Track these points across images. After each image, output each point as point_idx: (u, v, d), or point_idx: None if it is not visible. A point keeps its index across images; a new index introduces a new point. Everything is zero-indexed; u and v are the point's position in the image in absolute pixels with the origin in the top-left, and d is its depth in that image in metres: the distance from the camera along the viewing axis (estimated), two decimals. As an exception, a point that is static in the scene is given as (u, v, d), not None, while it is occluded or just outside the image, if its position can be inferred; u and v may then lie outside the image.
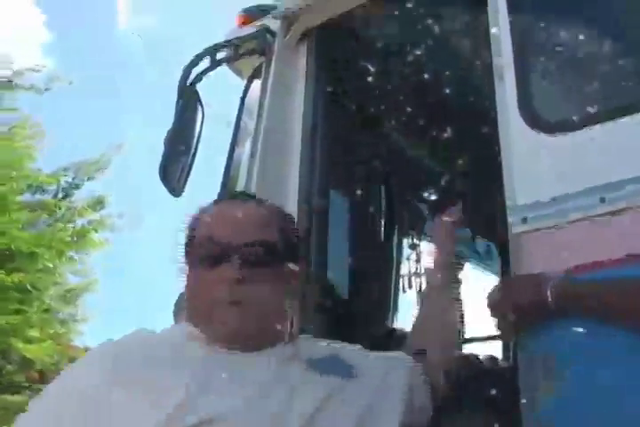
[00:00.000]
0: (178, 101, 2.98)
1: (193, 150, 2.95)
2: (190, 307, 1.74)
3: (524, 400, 1.84)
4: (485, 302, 1.94)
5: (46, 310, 11.69)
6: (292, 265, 1.77)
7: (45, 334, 11.39)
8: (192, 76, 3.05)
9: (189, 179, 2.93)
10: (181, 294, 2.18)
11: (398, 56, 3.09)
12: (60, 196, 11.92)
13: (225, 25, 3.27)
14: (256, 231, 1.70)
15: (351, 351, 1.87)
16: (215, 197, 3.04)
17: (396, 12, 2.94)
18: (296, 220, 2.68)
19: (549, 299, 1.77)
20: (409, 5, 2.85)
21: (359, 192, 3.45)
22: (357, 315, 3.08)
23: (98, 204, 11.91)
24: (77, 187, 12.05)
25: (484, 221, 2.90)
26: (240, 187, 2.85)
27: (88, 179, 12.15)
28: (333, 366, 1.74)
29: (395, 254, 3.85)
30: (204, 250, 1.70)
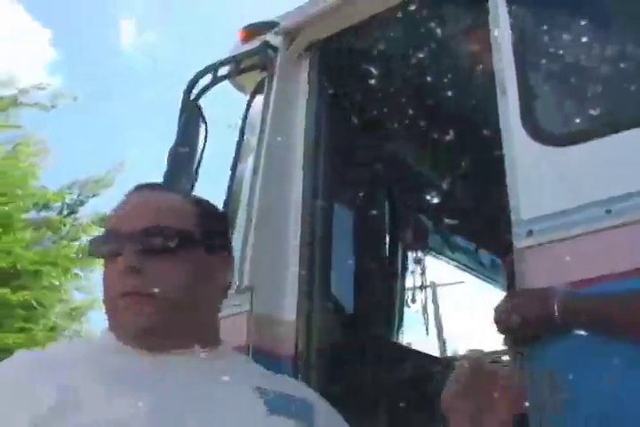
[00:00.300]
0: (180, 117, 2.99)
1: (196, 165, 2.94)
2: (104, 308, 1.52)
3: (531, 416, 1.82)
4: (491, 316, 1.93)
5: (52, 328, 11.69)
6: (215, 255, 1.55)
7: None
8: (195, 92, 3.06)
9: (193, 194, 2.91)
10: None
11: (400, 71, 3.09)
12: (65, 213, 11.95)
13: (228, 41, 3.28)
14: (156, 217, 1.49)
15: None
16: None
17: (398, 28, 2.94)
18: (299, 234, 2.70)
19: (556, 313, 1.76)
20: (410, 21, 2.86)
21: (363, 205, 3.44)
22: (361, 329, 3.06)
23: (103, 220, 11.93)
24: (82, 204, 12.10)
25: (488, 233, 2.89)
26: (244, 202, 2.85)
27: (93, 196, 12.20)
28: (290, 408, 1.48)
29: (399, 268, 3.84)
30: (103, 243, 1.52)
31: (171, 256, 1.46)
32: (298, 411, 1.46)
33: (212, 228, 1.55)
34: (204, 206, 1.59)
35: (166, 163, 2.88)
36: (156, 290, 1.43)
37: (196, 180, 2.93)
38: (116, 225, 1.51)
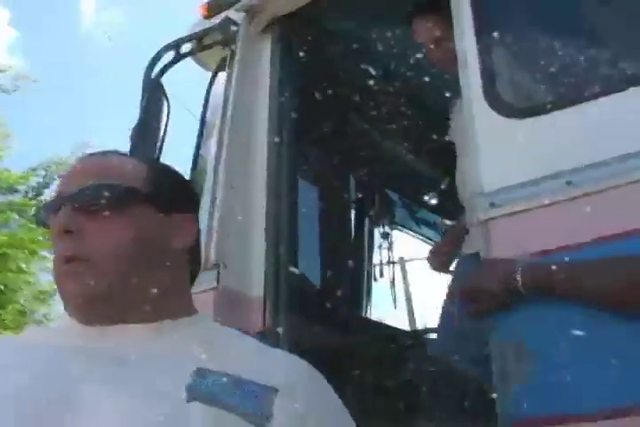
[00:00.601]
0: (143, 95, 2.96)
1: (159, 144, 2.92)
2: None
3: (497, 387, 1.85)
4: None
5: (21, 312, 11.62)
6: (170, 216, 1.39)
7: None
8: (156, 70, 3.03)
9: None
10: None
11: (364, 45, 3.09)
12: (31, 195, 11.84)
13: (194, 17, 3.24)
14: (97, 175, 1.34)
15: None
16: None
17: (360, 2, 2.93)
18: (265, 211, 2.70)
19: (519, 283, 1.78)
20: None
21: (328, 181, 3.44)
22: (330, 304, 3.08)
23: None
24: (47, 186, 11.99)
25: (454, 205, 2.91)
26: (209, 180, 2.84)
27: (58, 177, 12.09)
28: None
29: (367, 243, 3.86)
30: (45, 209, 1.37)
31: (112, 216, 1.30)
32: (241, 399, 1.22)
33: (164, 187, 1.38)
34: (157, 167, 1.46)
35: (129, 142, 2.86)
36: (95, 254, 1.27)
37: (160, 158, 2.91)
38: (57, 188, 1.38)
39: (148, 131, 2.88)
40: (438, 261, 3.07)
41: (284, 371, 1.33)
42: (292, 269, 2.68)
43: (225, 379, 1.24)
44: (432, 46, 2.75)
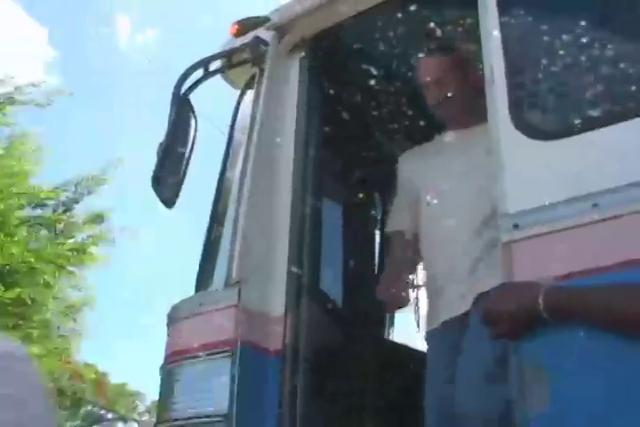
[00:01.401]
0: (170, 112, 2.97)
1: (186, 160, 2.93)
2: None
3: (517, 410, 1.82)
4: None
5: (46, 326, 11.66)
6: None
7: (46, 350, 11.35)
8: (185, 87, 3.05)
9: (183, 189, 2.91)
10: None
11: (391, 66, 3.09)
12: (61, 210, 11.92)
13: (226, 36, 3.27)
14: None
15: None
16: (209, 208, 3.07)
17: (388, 23, 2.94)
18: (289, 230, 2.70)
19: (541, 307, 1.75)
20: (401, 16, 2.86)
21: (353, 202, 3.44)
22: (350, 325, 3.06)
23: (98, 218, 11.90)
24: (77, 201, 12.06)
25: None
26: (233, 198, 2.84)
27: (88, 193, 12.16)
28: None
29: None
30: None
31: None
32: None
33: None
34: None
35: (156, 158, 2.87)
36: None
37: (186, 174, 2.92)
38: None
39: (174, 147, 2.89)
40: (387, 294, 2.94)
41: None
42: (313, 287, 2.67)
43: None
44: (433, 85, 2.72)
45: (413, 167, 2.86)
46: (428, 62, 2.75)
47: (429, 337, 2.76)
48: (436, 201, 2.70)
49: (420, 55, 2.79)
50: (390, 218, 2.97)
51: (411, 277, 2.92)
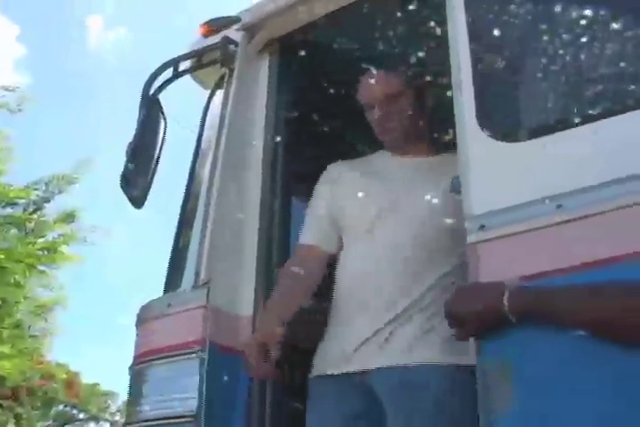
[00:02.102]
0: (139, 112, 2.97)
1: (155, 161, 2.93)
2: None
3: (481, 410, 1.84)
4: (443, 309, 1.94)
5: (17, 326, 11.59)
6: None
7: (16, 350, 11.27)
8: (154, 87, 3.04)
9: (155, 190, 2.91)
10: None
11: (362, 67, 3.09)
12: (31, 209, 11.83)
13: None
14: None
15: None
16: (179, 209, 3.06)
17: (357, 24, 2.95)
18: (257, 231, 2.70)
19: (506, 307, 1.77)
20: (369, 17, 2.87)
21: None
22: (317, 324, 3.05)
23: (69, 217, 11.84)
24: (48, 201, 11.98)
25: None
26: (202, 198, 2.84)
27: (59, 192, 12.09)
28: None
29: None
30: None
31: None
32: None
33: None
34: None
35: (125, 158, 2.86)
36: None
37: (155, 175, 2.92)
38: None
39: (143, 147, 2.88)
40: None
41: None
42: None
43: None
44: (381, 103, 2.54)
45: (344, 184, 2.59)
46: (379, 79, 2.58)
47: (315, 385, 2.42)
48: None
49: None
50: (308, 229, 2.62)
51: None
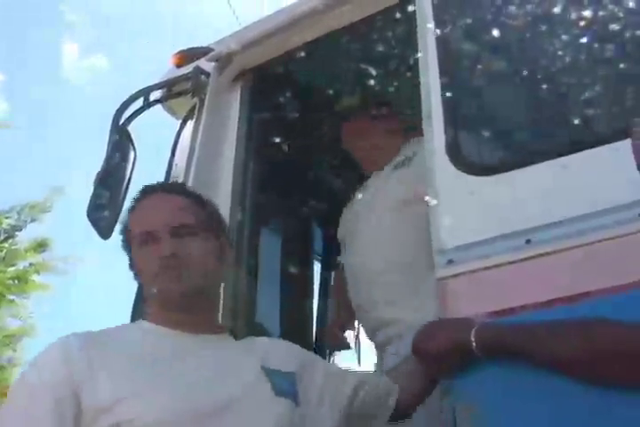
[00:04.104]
0: (109, 141, 2.94)
1: (123, 192, 2.89)
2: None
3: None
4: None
5: (-16, 356, 11.41)
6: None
7: (-17, 380, 11.09)
8: (125, 117, 3.02)
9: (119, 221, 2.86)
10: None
11: (331, 98, 3.09)
12: (2, 237, 11.70)
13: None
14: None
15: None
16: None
17: (329, 55, 2.95)
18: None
19: (473, 344, 1.74)
20: (341, 49, 2.87)
21: (291, 231, 3.42)
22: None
23: (41, 246, 11.71)
24: (20, 229, 11.85)
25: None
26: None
27: (32, 220, 11.97)
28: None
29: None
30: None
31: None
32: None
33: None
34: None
35: (93, 188, 2.83)
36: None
37: (123, 206, 2.87)
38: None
39: (111, 178, 2.85)
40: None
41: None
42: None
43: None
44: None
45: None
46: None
47: None
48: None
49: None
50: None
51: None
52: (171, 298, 1.77)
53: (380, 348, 2.61)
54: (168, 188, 2.06)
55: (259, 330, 2.95)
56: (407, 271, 2.50)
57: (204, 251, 1.82)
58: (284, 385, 1.76)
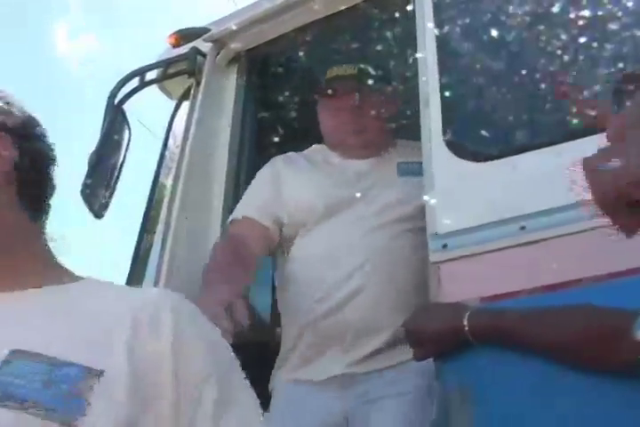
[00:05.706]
0: (104, 121, 2.92)
1: (117, 171, 2.88)
2: None
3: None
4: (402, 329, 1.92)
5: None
6: None
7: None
8: (120, 96, 3.00)
9: (113, 200, 2.86)
10: None
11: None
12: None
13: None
14: None
15: None
16: (140, 219, 3.02)
17: (326, 37, 2.94)
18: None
19: (466, 328, 1.75)
20: (339, 31, 2.86)
21: None
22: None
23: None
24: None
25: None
26: (164, 210, 2.80)
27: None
28: None
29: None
30: None
31: None
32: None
33: None
34: None
35: (87, 168, 2.81)
36: None
37: (117, 186, 2.87)
38: None
39: (106, 157, 2.84)
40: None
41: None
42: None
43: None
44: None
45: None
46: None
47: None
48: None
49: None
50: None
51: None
52: None
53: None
54: None
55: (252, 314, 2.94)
56: None
57: None
58: None
